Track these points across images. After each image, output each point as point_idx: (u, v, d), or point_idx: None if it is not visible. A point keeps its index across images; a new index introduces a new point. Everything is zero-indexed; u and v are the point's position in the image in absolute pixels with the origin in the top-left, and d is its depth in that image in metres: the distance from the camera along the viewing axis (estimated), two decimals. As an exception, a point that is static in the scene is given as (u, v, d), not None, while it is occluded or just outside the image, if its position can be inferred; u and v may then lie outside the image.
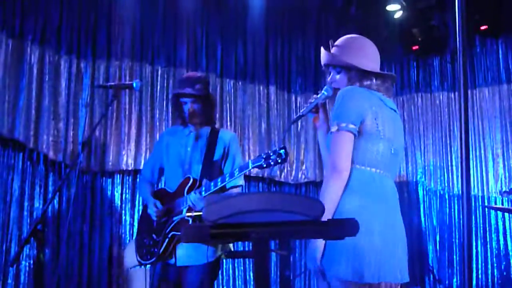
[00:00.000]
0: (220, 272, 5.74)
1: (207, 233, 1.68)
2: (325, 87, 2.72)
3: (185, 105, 3.59)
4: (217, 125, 3.96)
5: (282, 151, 2.96)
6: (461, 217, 5.88)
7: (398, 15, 6.17)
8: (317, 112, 2.76)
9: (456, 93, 6.13)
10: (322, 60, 2.75)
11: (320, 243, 2.37)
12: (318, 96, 2.73)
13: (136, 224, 5.48)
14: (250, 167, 3.06)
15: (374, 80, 2.60)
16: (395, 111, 2.64)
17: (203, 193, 3.26)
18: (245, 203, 1.64)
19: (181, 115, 3.65)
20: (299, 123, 6.53)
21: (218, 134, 3.62)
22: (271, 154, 2.98)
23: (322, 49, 2.74)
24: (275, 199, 1.64)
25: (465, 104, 1.65)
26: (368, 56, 2.68)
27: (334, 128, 2.46)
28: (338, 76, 2.68)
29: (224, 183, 3.18)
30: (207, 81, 3.71)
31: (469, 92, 5.98)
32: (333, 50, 2.71)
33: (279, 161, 2.97)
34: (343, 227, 1.74)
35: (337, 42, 2.74)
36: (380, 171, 2.47)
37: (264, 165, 3.00)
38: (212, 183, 3.24)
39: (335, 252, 2.35)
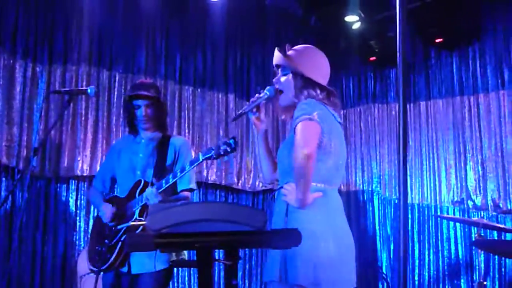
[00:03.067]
0: (175, 280, 5.79)
1: (151, 242, 1.68)
2: (268, 87, 2.82)
3: (138, 110, 3.59)
4: (174, 133, 3.97)
5: (231, 140, 3.04)
6: (415, 226, 6.02)
7: (356, 26, 6.26)
8: (258, 111, 2.86)
9: (412, 105, 6.27)
10: (274, 60, 2.81)
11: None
12: (261, 95, 2.82)
13: (90, 230, 5.43)
14: (201, 159, 3.13)
15: (318, 91, 2.68)
16: (341, 124, 2.72)
17: (159, 189, 3.27)
18: (189, 212, 1.65)
19: (132, 121, 3.65)
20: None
21: (169, 140, 3.63)
22: (221, 144, 3.05)
23: (276, 49, 2.79)
24: (218, 209, 1.66)
25: (404, 119, 1.69)
26: (319, 69, 2.76)
27: (304, 117, 2.51)
28: (283, 78, 2.77)
29: (175, 179, 3.22)
30: (158, 88, 3.76)
31: (423, 103, 6.18)
32: (288, 52, 2.78)
33: (229, 150, 3.03)
34: (286, 237, 1.77)
35: (294, 47, 2.82)
36: (330, 186, 2.59)
37: (215, 156, 3.07)
38: (163, 181, 3.27)
39: (296, 262, 2.43)
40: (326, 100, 2.68)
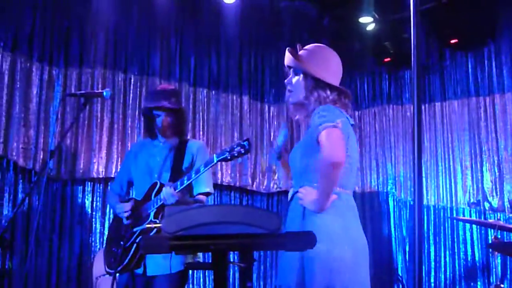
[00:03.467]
0: (190, 282, 5.80)
1: (166, 244, 1.69)
2: (282, 130, 2.86)
3: (158, 118, 3.60)
4: (189, 135, 3.99)
5: (245, 142, 3.04)
6: (431, 228, 5.98)
7: (370, 27, 6.25)
8: (282, 156, 2.88)
9: (426, 105, 6.24)
10: (286, 61, 2.78)
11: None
12: (279, 141, 2.87)
13: (106, 232, 5.46)
14: (215, 161, 3.12)
15: (328, 92, 2.66)
16: (353, 126, 2.71)
17: (178, 187, 3.29)
18: (204, 215, 1.66)
19: (151, 127, 3.66)
20: (271, 133, 6.57)
21: (186, 144, 3.65)
22: (235, 146, 3.06)
23: (287, 50, 2.76)
24: (233, 211, 1.66)
25: (419, 120, 1.69)
26: (330, 69, 2.73)
27: (328, 124, 2.46)
28: (295, 79, 2.74)
29: (190, 180, 3.22)
30: (179, 93, 3.77)
31: (438, 104, 6.14)
32: (300, 52, 2.76)
33: (243, 151, 3.03)
34: (300, 240, 1.77)
35: (306, 47, 2.79)
36: (345, 190, 2.59)
37: (229, 157, 3.07)
38: (178, 182, 3.28)
39: (313, 266, 2.43)
40: (338, 102, 2.66)
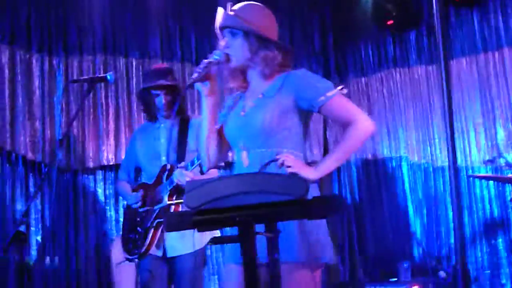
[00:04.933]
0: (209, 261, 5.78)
1: (190, 220, 1.64)
2: (216, 51, 2.47)
3: (158, 98, 3.56)
4: (189, 113, 3.92)
5: None
6: (447, 189, 5.91)
7: (371, -10, 6.13)
8: (209, 80, 2.47)
9: (434, 66, 6.13)
10: (219, 22, 2.49)
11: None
12: (210, 60, 2.44)
13: (121, 219, 5.43)
14: None
15: (275, 52, 2.46)
16: None
17: (189, 167, 3.25)
18: (227, 186, 1.59)
19: (151, 110, 3.61)
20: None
21: (189, 121, 3.60)
22: None
23: (220, 9, 2.49)
24: (257, 180, 1.60)
25: (447, 77, 1.61)
26: (271, 26, 2.53)
27: (330, 94, 2.37)
28: (235, 41, 2.46)
29: (200, 161, 3.15)
30: (173, 71, 3.75)
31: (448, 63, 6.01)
32: (232, 13, 2.49)
33: None
34: (329, 205, 1.71)
35: (236, 6, 2.53)
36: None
37: None
38: (189, 163, 3.24)
39: (320, 238, 2.34)
40: (285, 62, 2.49)
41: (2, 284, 4.87)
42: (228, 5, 2.52)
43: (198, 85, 2.46)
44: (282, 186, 1.56)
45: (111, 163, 5.47)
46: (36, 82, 5.24)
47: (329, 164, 2.36)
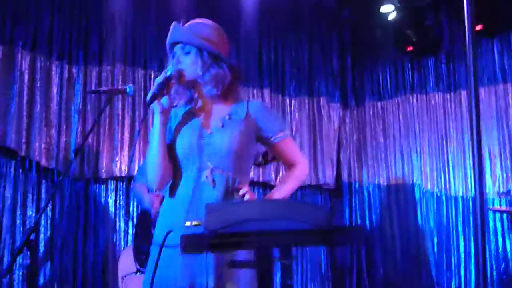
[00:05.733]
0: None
1: (207, 243, 1.61)
2: (169, 66, 2.45)
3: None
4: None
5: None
6: (459, 218, 5.85)
7: (392, 16, 6.13)
8: (164, 95, 2.40)
9: (452, 94, 6.10)
10: (173, 36, 2.48)
11: None
12: (167, 76, 2.39)
13: (130, 231, 5.42)
14: None
15: (226, 70, 2.46)
16: None
17: None
18: (248, 211, 1.57)
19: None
20: (293, 127, 6.47)
21: None
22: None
23: (174, 24, 2.49)
24: (279, 206, 1.58)
25: (476, 103, 1.58)
26: (223, 43, 2.54)
27: (287, 132, 2.56)
28: (186, 58, 2.45)
29: None
30: None
31: (465, 92, 5.98)
32: (186, 29, 2.50)
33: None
34: (349, 235, 1.69)
35: (190, 22, 2.55)
36: None
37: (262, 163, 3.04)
38: None
39: None
40: (235, 81, 2.51)
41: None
42: (182, 20, 2.52)
43: (154, 102, 2.38)
44: (306, 215, 1.54)
45: (123, 175, 5.46)
46: (55, 90, 5.27)
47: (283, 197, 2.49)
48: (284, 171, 6.24)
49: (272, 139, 2.52)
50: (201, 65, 2.43)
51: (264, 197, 2.61)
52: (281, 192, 2.50)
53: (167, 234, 1.74)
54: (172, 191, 2.46)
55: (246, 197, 2.30)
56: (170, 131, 2.51)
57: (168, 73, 2.39)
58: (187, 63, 2.45)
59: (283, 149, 2.56)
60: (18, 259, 4.50)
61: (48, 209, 5.11)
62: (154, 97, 2.36)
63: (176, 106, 2.54)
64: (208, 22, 2.57)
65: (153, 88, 2.38)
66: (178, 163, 2.46)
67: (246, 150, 2.46)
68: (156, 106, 2.39)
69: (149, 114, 5.64)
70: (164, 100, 2.40)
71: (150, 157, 2.44)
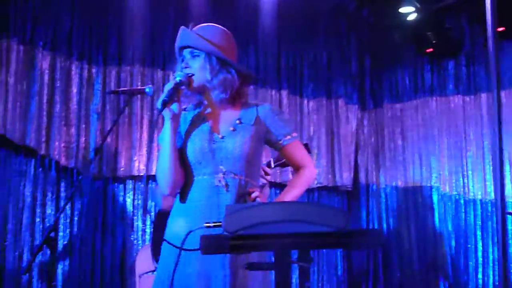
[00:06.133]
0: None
1: (227, 244, 1.62)
2: (177, 72, 2.46)
3: None
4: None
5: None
6: (478, 222, 5.81)
7: (411, 17, 6.09)
8: (178, 100, 2.44)
9: (472, 97, 6.06)
10: (182, 41, 2.49)
11: None
12: (176, 81, 2.41)
13: (148, 230, 5.45)
14: (273, 166, 3.23)
15: (235, 76, 2.48)
16: None
17: None
18: (267, 213, 1.58)
19: None
20: (311, 128, 6.46)
21: None
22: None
23: (183, 28, 2.50)
24: (298, 209, 1.58)
25: (499, 106, 1.57)
26: (231, 48, 2.55)
27: (294, 135, 2.57)
28: (195, 62, 2.46)
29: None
30: None
31: (485, 95, 5.94)
32: (195, 33, 2.50)
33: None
34: (367, 238, 1.68)
35: (199, 27, 2.55)
36: None
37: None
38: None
39: None
40: (244, 87, 2.55)
41: (29, 287, 4.93)
42: (190, 25, 2.53)
43: (166, 109, 2.39)
44: (325, 217, 1.54)
45: (141, 174, 5.49)
46: (74, 90, 5.32)
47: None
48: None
49: (280, 142, 2.55)
50: (210, 70, 2.44)
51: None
52: (288, 198, 2.52)
53: (188, 234, 1.74)
54: (184, 196, 2.47)
55: (258, 200, 2.35)
56: (180, 135, 2.53)
57: (178, 79, 2.41)
58: (196, 68, 2.46)
59: (290, 152, 2.59)
60: (37, 256, 4.57)
61: (67, 207, 5.16)
62: (165, 104, 2.37)
63: (185, 109, 2.57)
64: (217, 26, 2.59)
65: (163, 95, 2.39)
66: (189, 168, 2.48)
67: (257, 154, 2.50)
68: (166, 112, 2.40)
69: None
70: (174, 106, 2.42)
71: (162, 163, 2.45)
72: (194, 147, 2.46)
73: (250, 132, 2.47)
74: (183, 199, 2.47)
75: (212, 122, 2.53)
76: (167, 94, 2.37)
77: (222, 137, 2.46)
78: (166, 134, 2.43)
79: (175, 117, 2.43)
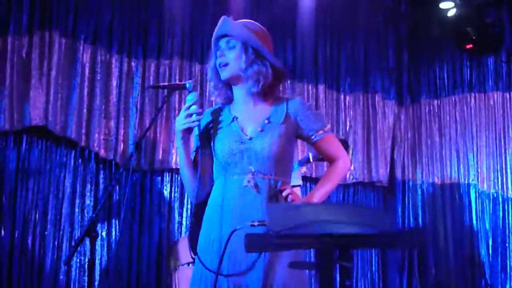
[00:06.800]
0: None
1: (271, 243, 1.65)
2: (189, 96, 2.50)
3: None
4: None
5: None
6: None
7: (451, 13, 6.02)
8: (188, 138, 2.54)
9: (509, 94, 5.96)
10: (221, 29, 2.53)
11: None
12: (194, 106, 2.46)
13: (185, 222, 5.51)
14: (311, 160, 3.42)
15: (270, 69, 2.49)
16: None
17: None
18: (312, 213, 1.60)
19: None
20: (347, 123, 6.44)
21: None
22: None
23: (224, 17, 2.53)
24: (343, 210, 1.59)
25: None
26: (267, 43, 2.57)
27: (326, 129, 2.55)
28: (230, 52, 2.50)
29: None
30: None
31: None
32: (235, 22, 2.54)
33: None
34: (411, 238, 1.69)
35: (238, 20, 2.59)
36: None
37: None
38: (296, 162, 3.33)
39: None
40: (276, 81, 2.56)
41: (68, 276, 5.04)
42: (231, 17, 2.55)
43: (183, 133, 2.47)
44: (370, 219, 1.55)
45: (178, 167, 5.53)
46: (114, 83, 5.39)
47: (323, 196, 2.52)
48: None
49: (312, 138, 2.55)
50: (245, 60, 2.46)
51: (306, 196, 2.62)
52: (321, 193, 2.53)
53: (232, 232, 1.77)
54: (216, 195, 2.51)
55: (290, 197, 2.35)
56: (207, 135, 2.57)
57: (190, 99, 2.47)
58: (231, 58, 2.49)
59: (323, 146, 2.58)
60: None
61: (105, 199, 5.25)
62: (189, 130, 2.49)
63: (200, 114, 2.51)
64: (255, 22, 2.63)
65: (178, 134, 2.50)
66: (221, 168, 2.51)
67: (287, 152, 2.51)
68: (183, 136, 2.50)
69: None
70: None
71: (183, 176, 2.61)
72: (223, 148, 2.48)
73: (279, 131, 2.47)
74: (215, 198, 2.51)
75: (240, 121, 2.54)
76: (180, 136, 2.49)
77: (250, 138, 2.47)
78: (182, 155, 2.55)
79: (185, 138, 2.51)
